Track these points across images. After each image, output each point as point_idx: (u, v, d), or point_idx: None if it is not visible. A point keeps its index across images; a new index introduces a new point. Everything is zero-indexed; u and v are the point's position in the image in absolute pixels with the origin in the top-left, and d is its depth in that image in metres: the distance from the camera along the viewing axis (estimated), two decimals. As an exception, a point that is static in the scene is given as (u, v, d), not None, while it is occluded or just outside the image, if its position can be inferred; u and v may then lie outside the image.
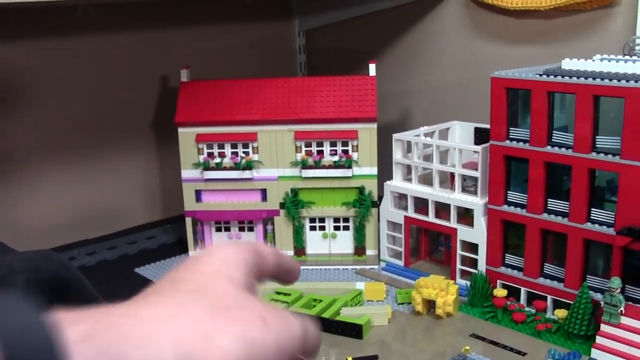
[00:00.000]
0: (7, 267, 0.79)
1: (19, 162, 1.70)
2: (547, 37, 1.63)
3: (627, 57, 1.26)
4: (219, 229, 1.63)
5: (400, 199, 1.50)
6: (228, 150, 1.56)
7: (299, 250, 1.60)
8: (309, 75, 2.22)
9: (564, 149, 1.19)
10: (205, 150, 1.56)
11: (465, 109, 1.73)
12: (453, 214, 1.39)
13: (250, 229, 1.63)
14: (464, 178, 1.39)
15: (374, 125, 1.51)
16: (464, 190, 1.39)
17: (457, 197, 1.38)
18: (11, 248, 0.95)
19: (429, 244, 1.54)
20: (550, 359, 1.09)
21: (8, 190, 1.69)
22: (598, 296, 1.17)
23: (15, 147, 1.68)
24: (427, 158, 1.46)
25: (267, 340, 0.34)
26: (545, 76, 1.21)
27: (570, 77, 1.17)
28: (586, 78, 1.15)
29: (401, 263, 1.51)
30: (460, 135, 1.58)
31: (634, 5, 1.46)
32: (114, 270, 1.61)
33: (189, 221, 1.62)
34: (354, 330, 1.21)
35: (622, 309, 1.10)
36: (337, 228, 1.60)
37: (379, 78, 1.60)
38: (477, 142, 1.53)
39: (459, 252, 1.39)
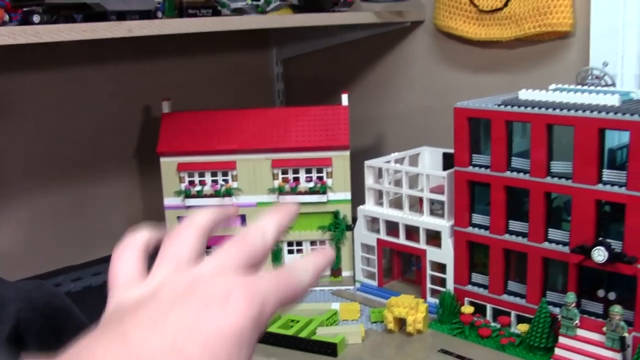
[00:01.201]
0: (0, 297, 0.86)
1: (4, 188, 1.76)
2: (509, 66, 1.72)
3: (578, 87, 1.35)
4: (201, 254, 1.70)
5: (373, 222, 1.58)
6: (208, 178, 1.63)
7: (278, 272, 1.67)
8: (287, 102, 2.30)
9: (522, 174, 1.28)
10: (187, 179, 1.64)
11: (434, 135, 1.81)
12: (422, 236, 1.47)
13: (231, 253, 1.69)
14: (432, 202, 1.47)
15: (347, 153, 1.59)
16: (432, 213, 1.47)
17: (425, 220, 1.46)
18: (1, 278, 1.02)
19: (401, 265, 1.62)
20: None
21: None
22: (558, 310, 1.25)
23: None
24: (398, 183, 1.54)
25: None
26: (503, 106, 1.29)
27: (526, 107, 1.26)
28: (540, 108, 1.24)
29: (375, 283, 1.59)
30: (429, 160, 1.67)
31: (587, 37, 1.56)
32: (99, 295, 1.63)
33: (172, 247, 1.68)
34: (329, 349, 1.29)
35: (577, 322, 1.19)
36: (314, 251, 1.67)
37: (352, 105, 1.69)
38: (445, 167, 1.61)
39: (429, 272, 1.47)
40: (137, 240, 0.50)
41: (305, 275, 0.45)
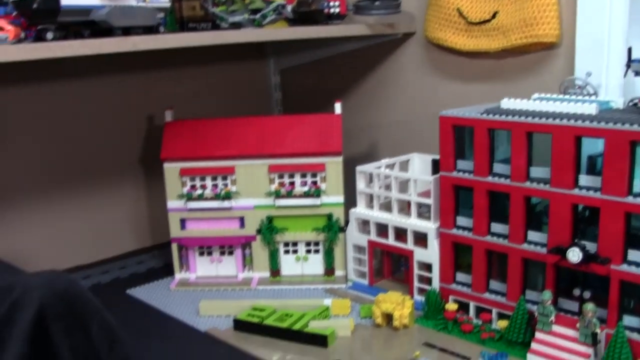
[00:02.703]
0: (23, 285, 0.95)
1: (21, 195, 1.85)
2: (496, 76, 1.79)
3: (558, 96, 1.42)
4: (202, 254, 1.79)
5: (364, 224, 1.66)
6: (209, 182, 1.71)
7: (275, 271, 1.75)
8: (284, 110, 2.39)
9: (503, 179, 1.36)
10: (189, 183, 1.72)
11: (424, 141, 1.88)
12: (410, 237, 1.55)
13: (230, 253, 1.78)
14: (420, 205, 1.55)
15: (340, 159, 1.67)
16: (420, 216, 1.55)
17: (413, 222, 1.54)
18: (22, 269, 1.11)
19: (391, 265, 1.70)
20: (481, 358, 1.27)
21: (7, 223, 1.83)
22: (535, 308, 1.32)
23: (13, 181, 1.83)
24: (388, 187, 1.62)
25: None
26: (485, 114, 1.37)
27: (507, 115, 1.33)
28: (520, 116, 1.31)
29: (366, 282, 1.67)
30: (419, 166, 1.75)
31: (572, 48, 1.63)
32: (107, 292, 1.74)
33: (174, 247, 1.77)
34: (320, 340, 1.37)
35: (552, 318, 1.26)
36: (308, 251, 1.76)
37: (346, 113, 1.76)
38: (434, 172, 1.68)
39: (416, 271, 1.55)
40: None
41: None
